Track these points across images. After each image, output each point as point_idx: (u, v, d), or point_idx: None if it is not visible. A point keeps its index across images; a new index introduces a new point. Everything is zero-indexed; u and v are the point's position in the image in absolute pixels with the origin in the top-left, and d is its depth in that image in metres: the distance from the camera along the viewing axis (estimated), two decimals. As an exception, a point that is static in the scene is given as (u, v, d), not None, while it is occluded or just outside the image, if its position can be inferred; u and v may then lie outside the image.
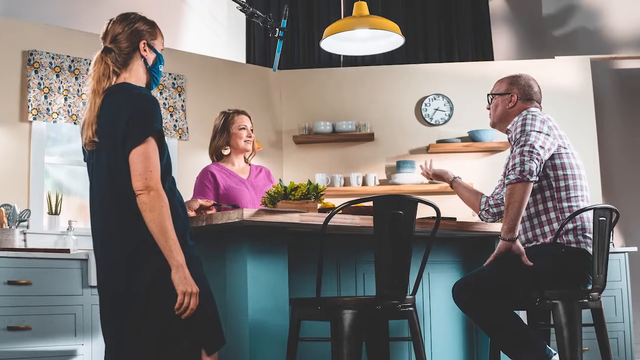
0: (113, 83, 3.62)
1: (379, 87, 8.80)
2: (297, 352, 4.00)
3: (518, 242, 4.39)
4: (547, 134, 4.50)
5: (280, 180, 4.49)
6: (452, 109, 8.69)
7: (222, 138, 5.60)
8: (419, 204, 3.89)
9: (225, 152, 5.61)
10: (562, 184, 4.56)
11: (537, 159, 4.37)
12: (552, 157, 4.56)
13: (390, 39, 6.19)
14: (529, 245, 4.61)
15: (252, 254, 4.01)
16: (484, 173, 8.48)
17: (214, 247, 4.23)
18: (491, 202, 5.05)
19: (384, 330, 4.45)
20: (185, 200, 3.79)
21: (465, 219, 6.13)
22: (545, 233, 4.57)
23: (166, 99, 7.76)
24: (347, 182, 8.55)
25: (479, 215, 5.15)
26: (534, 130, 4.48)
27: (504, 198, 4.51)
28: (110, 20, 3.72)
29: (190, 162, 7.74)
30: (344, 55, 9.03)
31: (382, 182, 8.59)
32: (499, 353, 4.69)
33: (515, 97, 4.83)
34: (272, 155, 8.56)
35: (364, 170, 8.62)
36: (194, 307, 3.37)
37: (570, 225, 4.52)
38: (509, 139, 4.68)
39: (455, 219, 4.85)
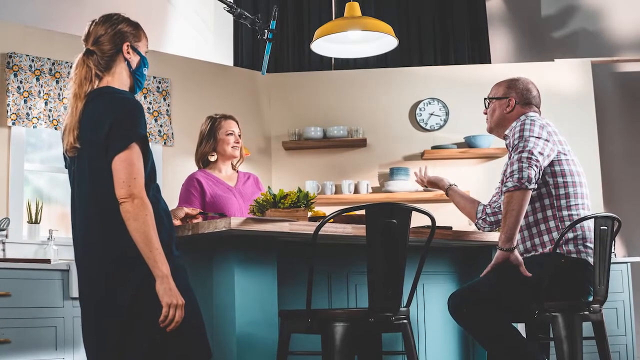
0: (95, 87, 3.62)
1: (371, 91, 8.81)
2: (287, 367, 4.01)
3: (516, 252, 4.39)
4: (546, 140, 4.51)
5: (269, 187, 4.50)
6: (447, 113, 8.70)
7: (209, 144, 5.60)
8: (414, 212, 3.89)
9: (212, 158, 5.61)
10: (562, 191, 4.57)
11: (536, 165, 4.37)
12: (551, 164, 4.57)
13: (383, 40, 6.20)
14: (527, 255, 4.61)
15: (240, 264, 4.01)
16: (480, 180, 8.49)
17: (200, 257, 4.23)
18: (488, 211, 5.05)
19: (376, 344, 4.46)
20: (170, 209, 3.79)
21: (462, 228, 6.14)
22: (544, 242, 4.57)
23: (150, 103, 7.76)
24: (338, 190, 8.55)
25: (476, 224, 5.15)
26: (533, 136, 4.48)
27: (502, 206, 4.52)
28: (93, 21, 3.72)
29: (175, 169, 7.73)
30: (335, 58, 9.04)
31: (375, 190, 8.60)
32: (497, 367, 4.69)
33: (513, 102, 4.83)
34: (260, 161, 8.56)
35: (356, 178, 8.63)
36: (179, 320, 3.37)
37: (570, 235, 4.52)
38: (506, 144, 4.69)
39: (451, 228, 4.85)
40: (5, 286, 5.52)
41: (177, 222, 4.56)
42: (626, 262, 7.80)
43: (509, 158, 4.54)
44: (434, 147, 8.55)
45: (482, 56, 9.44)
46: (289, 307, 4.34)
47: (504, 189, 4.40)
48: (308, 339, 4.39)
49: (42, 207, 6.85)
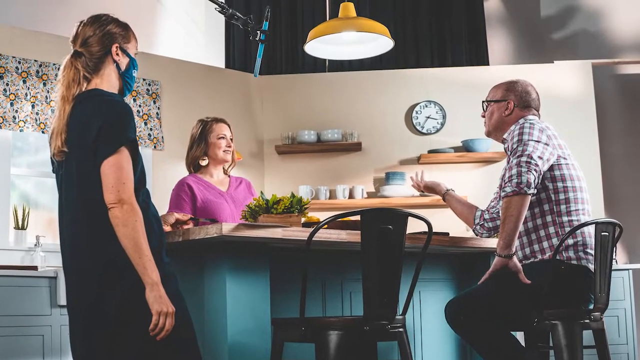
0: (83, 89, 3.62)
1: (366, 93, 8.81)
2: (280, 376, 4.00)
3: (515, 259, 4.38)
4: (545, 144, 4.51)
5: (261, 192, 4.49)
6: (444, 117, 8.71)
7: (200, 148, 5.59)
8: (410, 218, 3.89)
9: (203, 162, 5.61)
10: (561, 196, 4.57)
11: (535, 170, 4.37)
12: (551, 168, 4.56)
13: (378, 42, 6.20)
14: (526, 262, 4.61)
15: (231, 271, 4.01)
16: (478, 185, 8.49)
17: (191, 264, 4.23)
18: (486, 216, 5.05)
19: (372, 353, 4.45)
20: (160, 214, 3.79)
21: (459, 234, 6.14)
22: (543, 249, 4.57)
23: (140, 106, 7.76)
24: (332, 195, 8.55)
25: (474, 230, 5.15)
26: (532, 140, 4.48)
27: (500, 212, 4.52)
28: (81, 22, 3.72)
29: (165, 173, 7.72)
30: (329, 60, 9.04)
31: (370, 195, 8.60)
32: (495, 377, 4.69)
33: (512, 104, 4.83)
34: (253, 166, 8.55)
35: (351, 182, 8.62)
36: (169, 328, 3.36)
37: (570, 241, 4.52)
38: (505, 148, 4.69)
39: (448, 234, 4.86)
40: (-10, 294, 5.52)
41: (167, 228, 4.56)
42: (628, 269, 7.81)
43: (508, 162, 4.54)
44: (430, 151, 8.55)
45: (480, 58, 9.44)
46: (281, 315, 4.34)
47: (502, 194, 4.40)
48: (301, 348, 4.39)
49: (29, 212, 6.84)
